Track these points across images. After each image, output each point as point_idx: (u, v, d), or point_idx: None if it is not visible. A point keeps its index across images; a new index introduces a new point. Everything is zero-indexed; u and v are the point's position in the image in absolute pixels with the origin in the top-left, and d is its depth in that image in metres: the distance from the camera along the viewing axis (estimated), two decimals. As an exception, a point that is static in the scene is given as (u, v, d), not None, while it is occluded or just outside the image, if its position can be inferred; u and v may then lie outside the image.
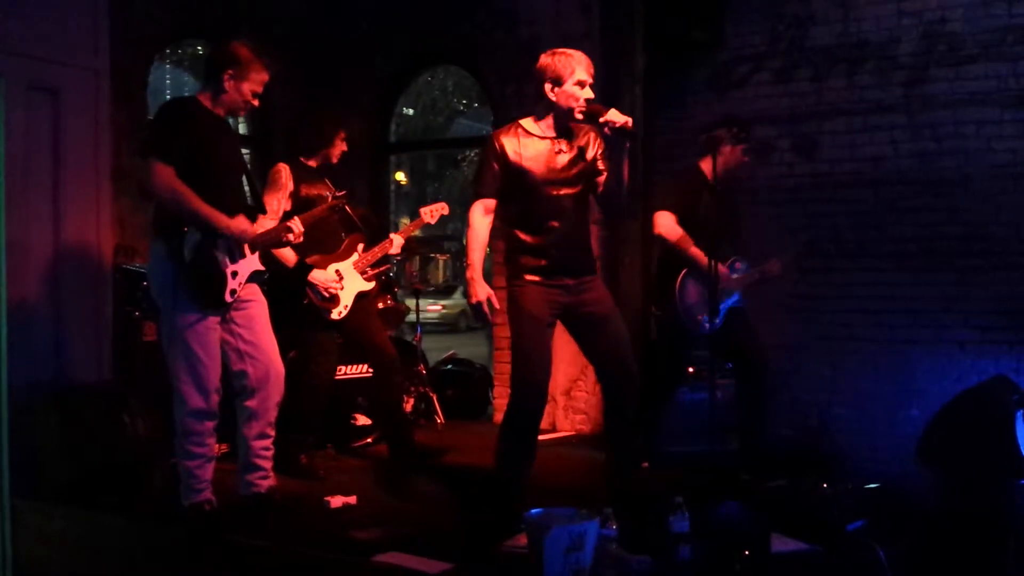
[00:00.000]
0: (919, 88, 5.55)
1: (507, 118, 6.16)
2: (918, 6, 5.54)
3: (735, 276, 4.51)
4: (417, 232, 5.27)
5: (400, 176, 5.46)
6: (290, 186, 4.55)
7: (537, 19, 6.13)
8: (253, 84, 3.71)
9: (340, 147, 4.76)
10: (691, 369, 4.98)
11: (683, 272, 4.46)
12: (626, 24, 5.95)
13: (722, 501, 3.16)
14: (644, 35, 5.94)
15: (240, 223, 3.66)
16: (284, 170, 4.59)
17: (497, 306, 3.70)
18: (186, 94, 3.97)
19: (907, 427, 4.86)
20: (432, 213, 5.00)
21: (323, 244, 4.66)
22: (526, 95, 6.13)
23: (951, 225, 5.46)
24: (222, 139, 3.75)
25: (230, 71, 3.66)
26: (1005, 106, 5.34)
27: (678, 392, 4.84)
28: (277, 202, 4.50)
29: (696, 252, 4.36)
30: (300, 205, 4.48)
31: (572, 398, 5.98)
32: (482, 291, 3.62)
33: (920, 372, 5.45)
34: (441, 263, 28.93)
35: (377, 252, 4.85)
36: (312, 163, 4.72)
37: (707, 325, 4.22)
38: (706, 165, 4.56)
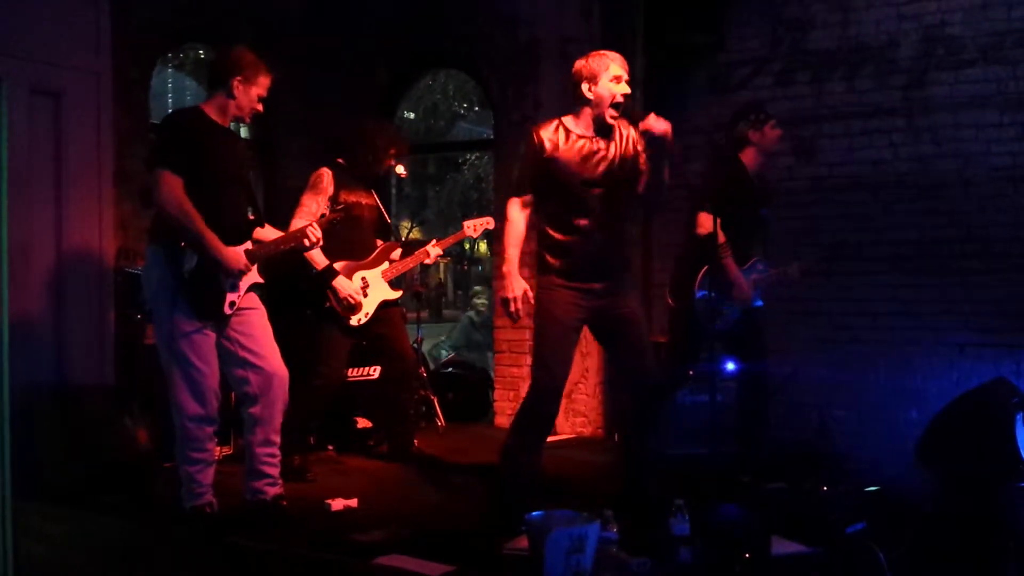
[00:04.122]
0: (918, 91, 5.57)
1: (508, 121, 6.23)
2: (917, 10, 5.56)
3: (752, 282, 4.52)
4: (418, 235, 5.31)
5: (400, 169, 5.43)
6: (330, 191, 4.59)
7: (538, 22, 6.15)
8: (260, 88, 3.72)
9: (388, 162, 4.84)
10: (691, 372, 4.99)
11: (705, 268, 4.46)
12: (626, 27, 5.96)
13: (722, 503, 3.17)
14: (644, 38, 5.95)
15: (233, 253, 3.64)
16: (326, 175, 4.62)
17: (532, 302, 3.68)
18: (188, 98, 3.98)
19: (907, 429, 4.87)
20: (476, 228, 5.02)
21: (353, 250, 4.69)
22: (527, 98, 6.16)
23: (951, 228, 5.48)
24: (226, 151, 3.74)
25: (240, 77, 3.66)
26: (1004, 109, 5.36)
27: (679, 393, 4.85)
28: (316, 205, 4.55)
29: (729, 263, 4.38)
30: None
31: (573, 400, 5.98)
32: (518, 286, 3.60)
33: (920, 374, 5.46)
34: (442, 267, 28.89)
35: (410, 262, 4.88)
36: (357, 171, 4.76)
37: (720, 321, 4.27)
38: (746, 157, 4.54)
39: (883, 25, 5.65)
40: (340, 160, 4.74)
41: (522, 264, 3.75)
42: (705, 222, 4.43)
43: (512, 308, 3.62)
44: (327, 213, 4.38)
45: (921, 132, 5.57)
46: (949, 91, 5.49)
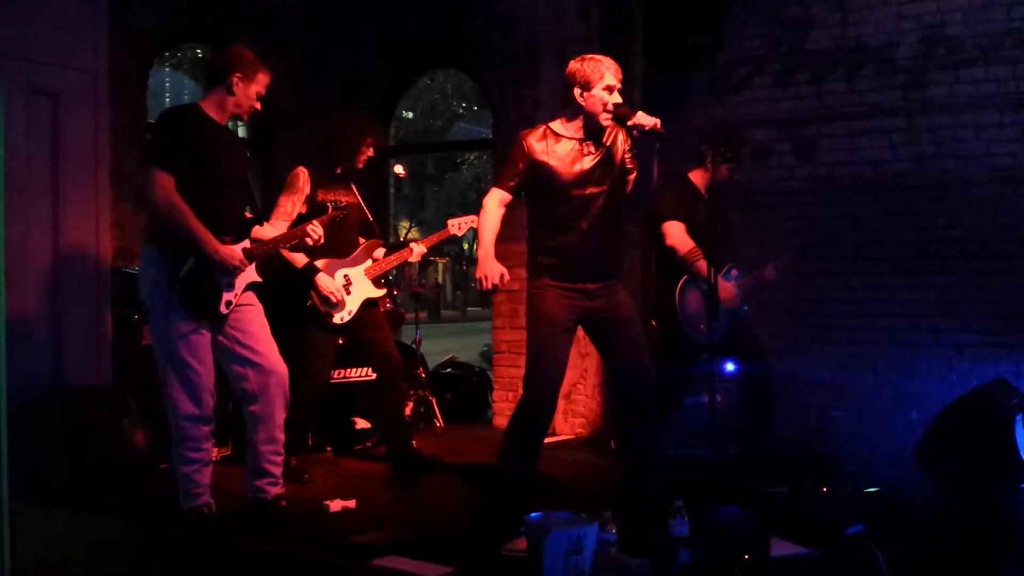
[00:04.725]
0: (918, 92, 5.57)
1: (506, 121, 6.22)
2: (917, 10, 5.56)
3: (734, 284, 4.53)
4: (416, 235, 5.28)
5: (399, 169, 5.41)
6: (307, 190, 4.56)
7: (536, 23, 6.14)
8: (259, 86, 3.71)
9: (366, 153, 4.75)
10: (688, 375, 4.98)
11: (681, 281, 4.46)
12: (625, 27, 5.95)
13: (722, 504, 3.16)
14: (643, 38, 5.95)
15: (228, 251, 3.61)
16: (302, 174, 4.59)
17: (507, 282, 3.68)
18: (185, 97, 3.96)
19: (906, 431, 4.87)
20: (460, 226, 4.98)
21: (335, 248, 4.66)
22: (526, 98, 6.15)
23: (950, 228, 5.47)
24: (224, 149, 3.72)
25: (239, 73, 3.64)
26: (1004, 110, 5.36)
27: (682, 402, 4.84)
28: (292, 204, 4.51)
29: (703, 266, 4.36)
30: (316, 209, 4.45)
31: (572, 402, 5.97)
32: (495, 267, 3.58)
33: (919, 375, 5.45)
34: (440, 267, 28.88)
35: (393, 260, 4.85)
36: (337, 168, 4.71)
37: (709, 334, 4.24)
38: (695, 176, 4.62)
39: (883, 25, 5.65)
40: (321, 159, 4.71)
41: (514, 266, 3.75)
42: (671, 230, 4.47)
43: (486, 286, 3.60)
44: (330, 209, 4.36)
45: (921, 132, 5.56)
46: (949, 91, 5.49)
